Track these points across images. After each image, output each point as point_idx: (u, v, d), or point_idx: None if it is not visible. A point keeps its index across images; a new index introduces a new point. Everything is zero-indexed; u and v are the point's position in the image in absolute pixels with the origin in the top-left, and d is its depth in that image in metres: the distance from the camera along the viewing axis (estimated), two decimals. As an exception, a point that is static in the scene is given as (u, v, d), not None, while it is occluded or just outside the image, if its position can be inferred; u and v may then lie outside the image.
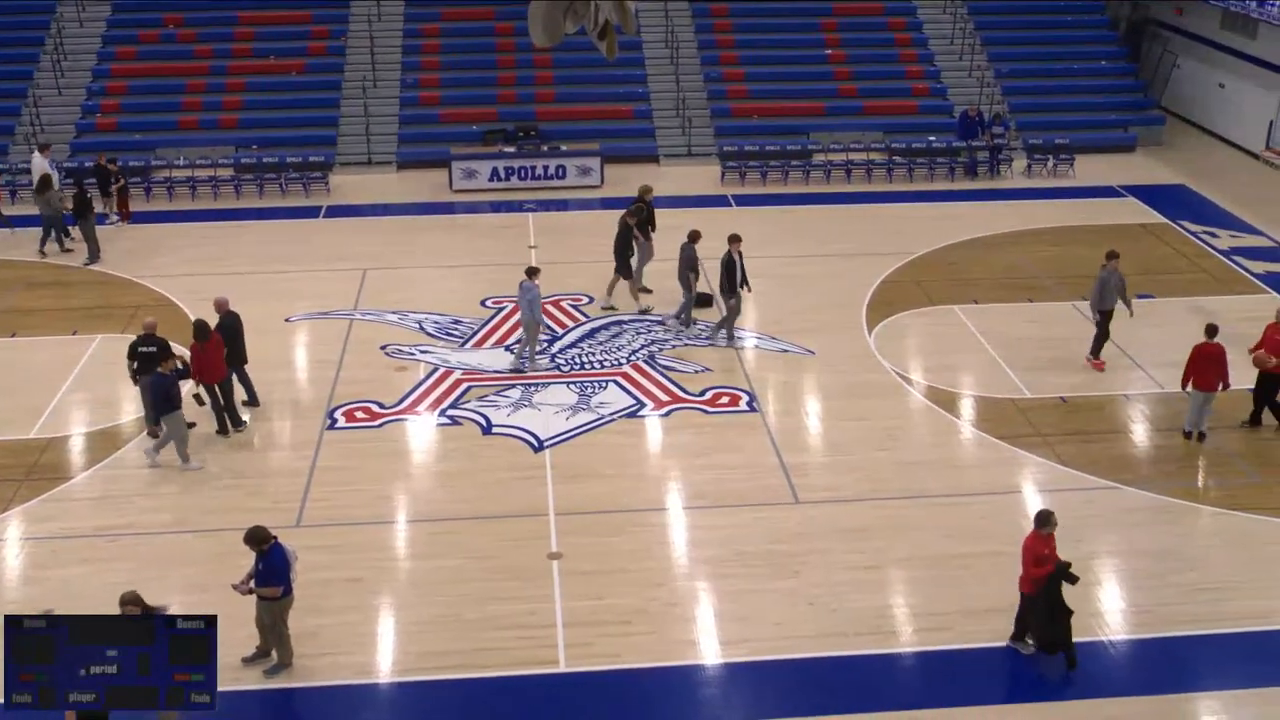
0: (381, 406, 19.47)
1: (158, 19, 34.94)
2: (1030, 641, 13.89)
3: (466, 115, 32.76)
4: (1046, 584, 13.48)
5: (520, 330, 21.03)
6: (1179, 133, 35.34)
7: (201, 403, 18.43)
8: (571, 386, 20.14)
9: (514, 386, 20.12)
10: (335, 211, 29.04)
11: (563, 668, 13.79)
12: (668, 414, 19.32)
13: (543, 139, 31.39)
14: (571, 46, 12.60)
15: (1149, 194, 30.06)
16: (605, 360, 20.96)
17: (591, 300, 23.30)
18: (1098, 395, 19.91)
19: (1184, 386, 18.31)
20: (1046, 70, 35.69)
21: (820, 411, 19.55)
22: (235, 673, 13.49)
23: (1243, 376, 18.68)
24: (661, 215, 26.66)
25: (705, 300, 23.02)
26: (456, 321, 22.50)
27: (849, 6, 36.58)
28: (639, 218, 23.16)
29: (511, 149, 30.85)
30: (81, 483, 17.51)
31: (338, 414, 19.25)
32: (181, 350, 19.31)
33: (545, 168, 30.60)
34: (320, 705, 13.36)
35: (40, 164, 26.95)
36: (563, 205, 29.58)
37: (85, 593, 14.50)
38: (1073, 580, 13.48)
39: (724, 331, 21.57)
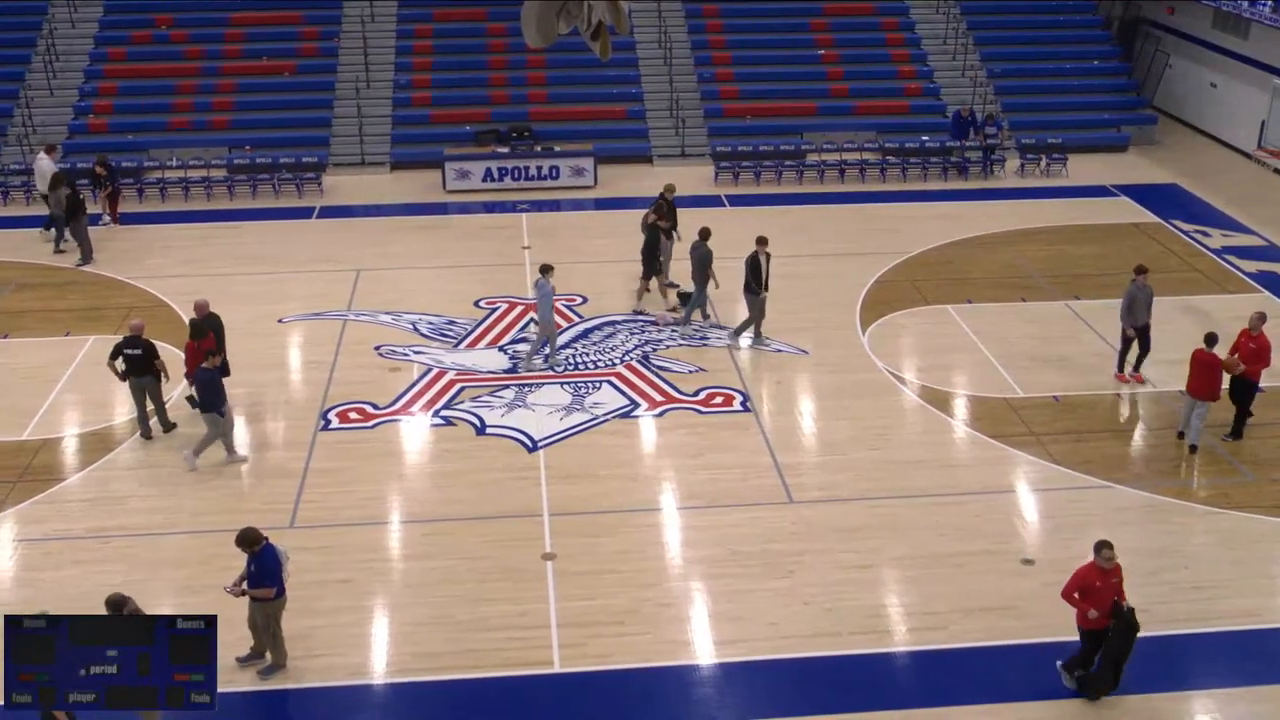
0: (375, 407, 19.45)
1: (150, 19, 34.86)
2: (1075, 675, 13.43)
3: (460, 116, 32.74)
4: (1106, 629, 12.97)
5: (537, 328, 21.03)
6: (1171, 132, 35.41)
7: (194, 404, 18.41)
8: (565, 387, 20.13)
9: (507, 387, 20.11)
10: (329, 212, 29.01)
11: (557, 668, 13.79)
12: (662, 414, 19.32)
13: (536, 139, 31.37)
14: (565, 47, 12.62)
15: (1141, 193, 30.11)
16: (599, 360, 20.96)
17: (585, 300, 23.29)
18: (1091, 394, 19.95)
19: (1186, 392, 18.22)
20: (1039, 70, 35.73)
21: (814, 411, 19.56)
22: (230, 674, 13.46)
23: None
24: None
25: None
26: (450, 322, 22.48)
27: (840, 6, 36.58)
28: (660, 214, 23.12)
29: (505, 149, 30.83)
30: (75, 484, 17.47)
31: (331, 415, 19.23)
32: (173, 351, 19.32)
33: (539, 168, 30.58)
34: (315, 706, 13.35)
35: (46, 165, 26.88)
36: (556, 206, 29.56)
37: (78, 594, 14.44)
38: (1131, 630, 12.94)
39: (747, 332, 21.50)
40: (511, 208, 29.29)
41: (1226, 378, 18.14)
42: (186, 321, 18.71)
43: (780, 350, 21.31)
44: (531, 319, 22.44)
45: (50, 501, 16.99)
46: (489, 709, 13.27)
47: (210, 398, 17.41)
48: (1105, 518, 16.55)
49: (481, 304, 23.29)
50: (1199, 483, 17.58)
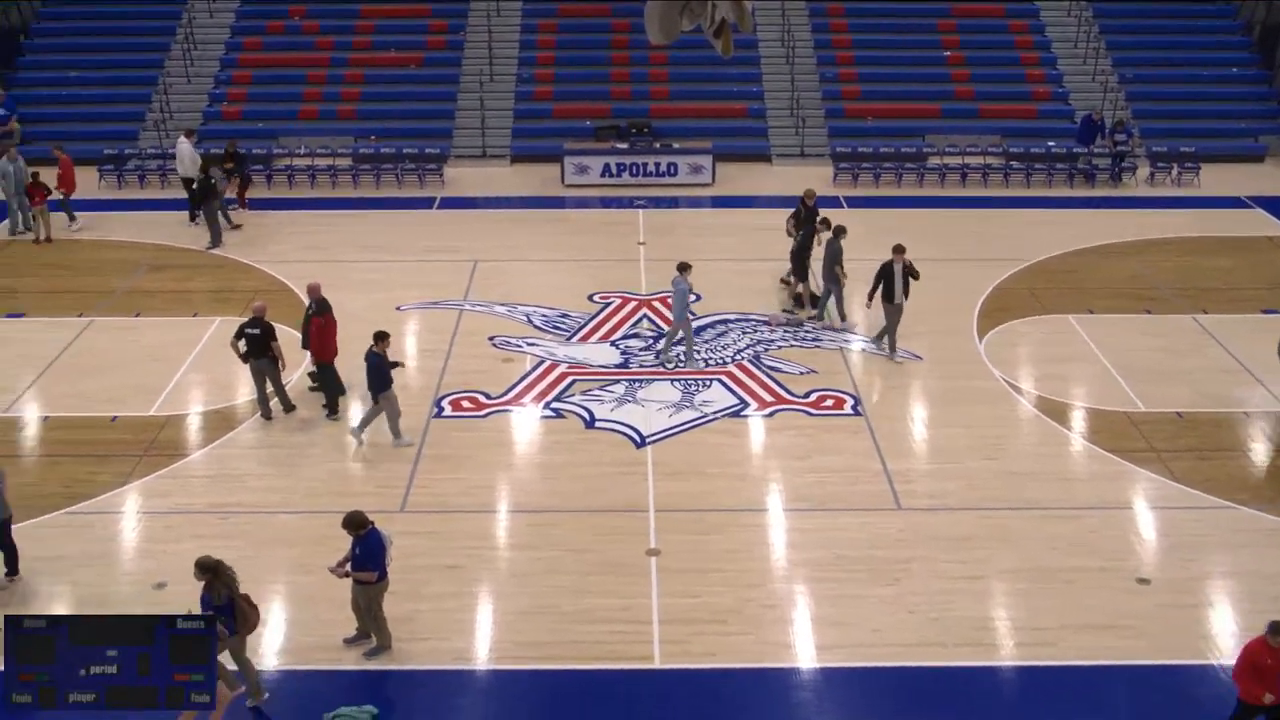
0: (487, 397, 19.69)
1: (283, 11, 35.80)
2: None
3: (580, 111, 32.99)
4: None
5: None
6: (1312, 143, 34.15)
7: (314, 383, 18.88)
8: (676, 384, 20.15)
9: (618, 381, 20.19)
10: (449, 203, 29.46)
11: (658, 664, 13.80)
12: (771, 414, 19.23)
13: (655, 136, 31.44)
14: (687, 44, 12.60)
15: (1278, 206, 29.07)
16: (710, 358, 20.93)
17: (699, 299, 23.23)
18: (1216, 411, 19.33)
19: None
20: (1173, 76, 34.73)
21: (926, 418, 19.29)
22: (336, 653, 13.77)
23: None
24: (772, 215, 26.57)
25: (812, 302, 22.89)
26: (564, 315, 22.65)
27: (969, 7, 35.99)
28: (799, 218, 22.99)
29: (624, 145, 30.95)
30: (197, 460, 18.00)
31: (444, 403, 19.52)
32: (292, 334, 19.77)
33: (657, 165, 30.63)
34: (417, 688, 13.55)
35: (186, 149, 27.75)
36: (673, 203, 29.60)
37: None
38: None
39: (885, 341, 21.16)
40: (628, 204, 29.41)
41: None
42: (307, 303, 19.07)
43: (901, 358, 21.01)
44: (645, 315, 22.53)
45: (173, 476, 17.53)
46: (589, 701, 13.34)
47: (378, 379, 17.79)
48: (1225, 539, 16.05)
49: (595, 298, 23.42)
50: (1329, 507, 16.94)
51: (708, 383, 20.17)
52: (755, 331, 21.98)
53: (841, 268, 21.73)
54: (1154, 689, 13.42)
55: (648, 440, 18.43)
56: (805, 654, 13.97)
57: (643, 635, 14.20)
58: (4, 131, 30.59)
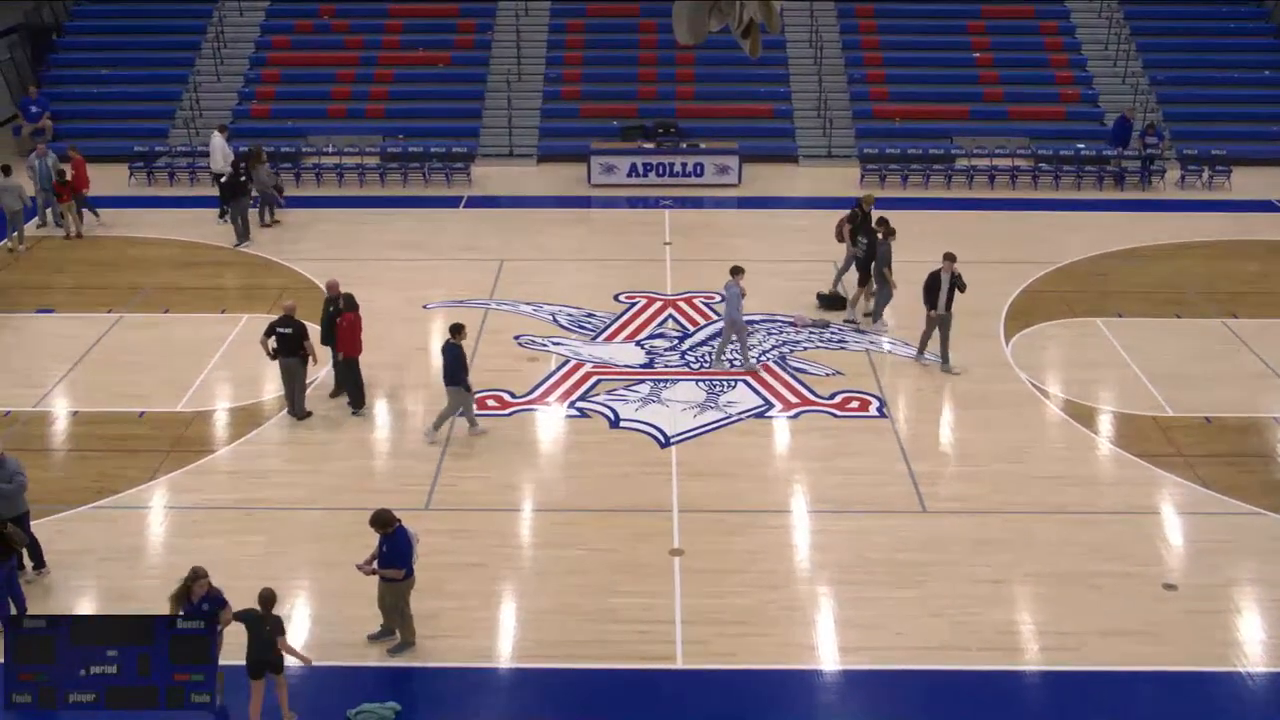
0: (512, 396, 19.73)
1: (313, 9, 35.97)
2: None
3: (607, 111, 33.01)
4: None
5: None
6: (1345, 147, 33.80)
7: (339, 376, 19.01)
8: (700, 384, 20.14)
9: (643, 381, 20.20)
10: (476, 202, 29.53)
11: (680, 664, 13.80)
12: (796, 416, 19.19)
13: (682, 136, 31.42)
14: (714, 44, 12.59)
15: (1310, 210, 28.88)
16: (735, 359, 20.90)
17: (724, 299, 23.20)
18: (1246, 416, 19.18)
19: None
20: (1205, 78, 34.41)
21: (952, 421, 19.21)
22: (361, 649, 13.83)
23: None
24: (799, 216, 26.57)
25: (839, 302, 22.84)
26: (589, 315, 22.67)
27: (998, 8, 35.80)
28: (854, 222, 22.90)
29: (651, 145, 30.95)
30: (224, 456, 18.10)
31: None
32: (315, 329, 19.83)
33: (683, 165, 30.62)
34: (440, 685, 13.58)
35: (219, 144, 27.94)
36: (699, 203, 29.58)
37: (220, 563, 14.83)
38: None
39: (938, 349, 20.76)
40: (655, 204, 29.40)
41: None
42: (341, 299, 19.10)
43: (928, 360, 20.92)
44: (670, 315, 22.54)
45: (200, 472, 17.64)
46: (611, 700, 13.35)
47: (455, 371, 17.91)
48: (1255, 546, 15.92)
49: (621, 298, 23.43)
50: (1359, 515, 16.77)
51: (733, 383, 20.15)
52: (781, 333, 21.94)
53: (889, 270, 21.63)
54: (1180, 696, 13.33)
55: (672, 440, 18.43)
56: (827, 656, 13.94)
57: (665, 635, 14.20)
58: (36, 129, 30.85)
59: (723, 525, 16.34)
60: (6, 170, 25.68)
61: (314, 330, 19.29)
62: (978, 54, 34.63)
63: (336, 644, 14.00)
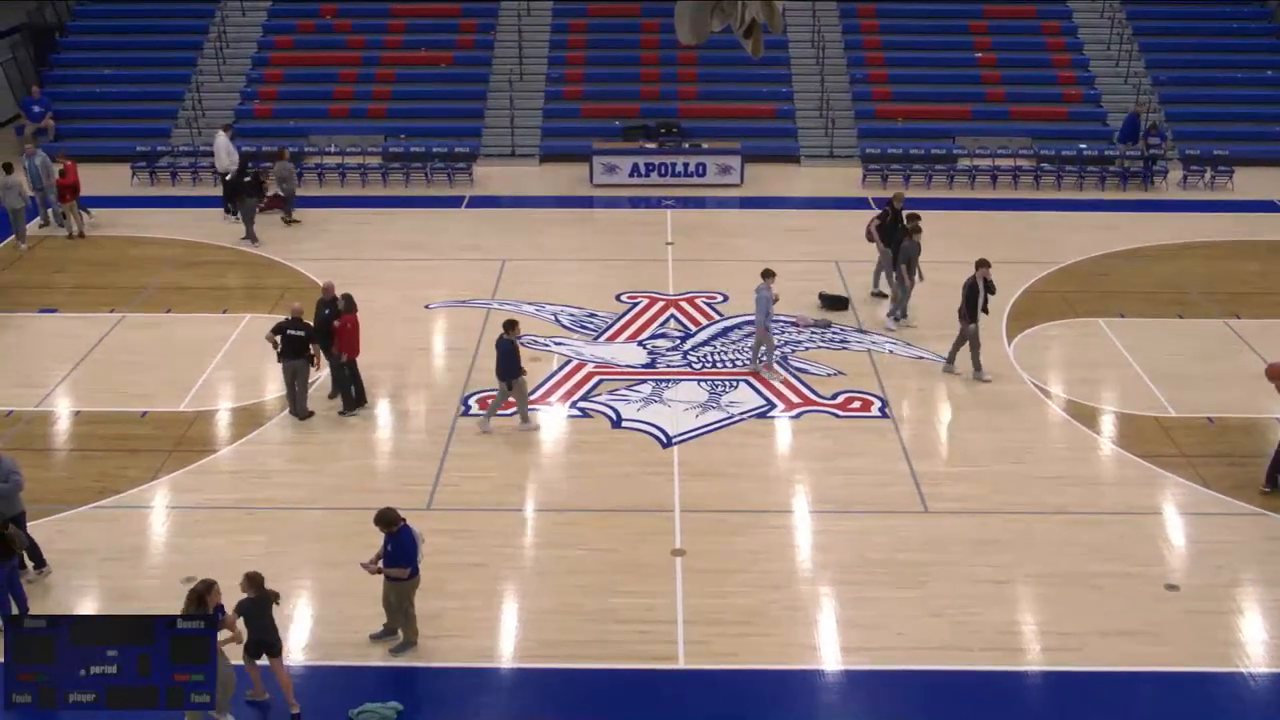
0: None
1: (315, 9, 35.97)
2: None
3: (609, 111, 33.01)
4: None
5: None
6: (1348, 147, 33.77)
7: (337, 378, 18.99)
8: (702, 384, 20.14)
9: (645, 381, 20.20)
10: (478, 202, 29.54)
11: (681, 664, 13.80)
12: (798, 416, 19.19)
13: (684, 136, 31.42)
14: (716, 44, 12.59)
15: (1312, 210, 28.86)
16: (737, 359, 20.90)
17: (726, 299, 23.24)
18: (1248, 417, 19.17)
19: None
20: (1207, 79, 34.38)
21: (954, 421, 19.20)
22: (363, 649, 13.84)
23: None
24: (801, 216, 26.56)
25: (842, 303, 22.82)
26: (591, 315, 22.68)
27: (1001, 8, 35.80)
28: (885, 220, 22.87)
29: (652, 145, 30.95)
30: (225, 456, 18.11)
31: (471, 401, 19.56)
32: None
33: (685, 165, 30.61)
34: (442, 685, 13.59)
35: (223, 143, 27.96)
36: (701, 203, 29.58)
37: (221, 562, 14.88)
38: None
39: (972, 358, 20.38)
40: (657, 204, 29.41)
41: None
42: (340, 300, 19.09)
43: (921, 356, 20.91)
44: (672, 315, 22.54)
45: (201, 472, 17.65)
46: (612, 700, 13.35)
47: (509, 365, 18.00)
48: (1256, 546, 15.92)
49: (623, 298, 23.43)
50: (1361, 515, 16.75)
51: (735, 383, 20.15)
52: (783, 332, 21.93)
53: (907, 267, 21.64)
54: (1181, 696, 13.33)
55: (674, 440, 18.43)
56: (829, 656, 13.94)
57: (667, 635, 14.20)
58: (39, 128, 30.86)
59: (724, 525, 16.34)
60: (8, 168, 25.71)
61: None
62: (980, 54, 34.61)
63: (338, 644, 14.01)
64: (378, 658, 13.80)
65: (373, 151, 31.49)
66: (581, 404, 19.50)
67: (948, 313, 21.80)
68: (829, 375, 20.43)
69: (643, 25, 35.21)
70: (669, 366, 20.73)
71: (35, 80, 34.17)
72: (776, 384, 19.97)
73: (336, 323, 18.67)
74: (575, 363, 20.79)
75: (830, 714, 13.20)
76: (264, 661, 12.84)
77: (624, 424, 18.93)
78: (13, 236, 26.18)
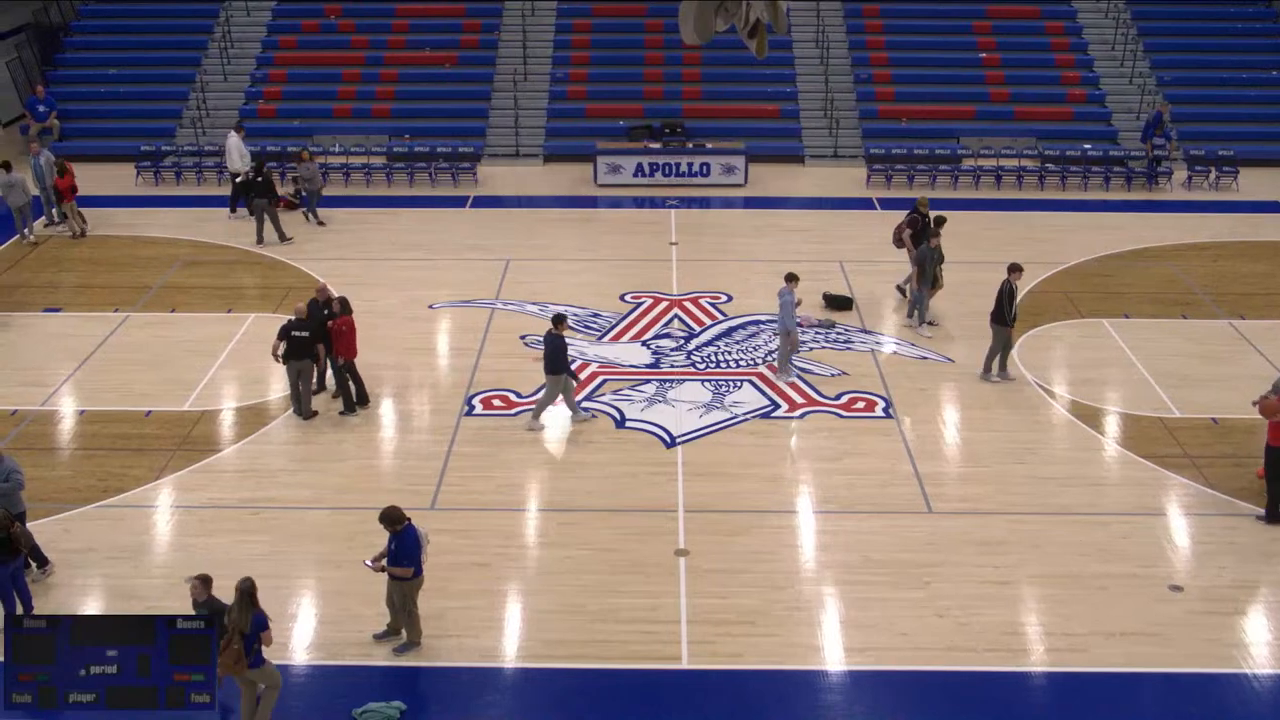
0: (518, 395, 19.73)
1: (319, 9, 36.00)
2: None
3: (613, 110, 33.02)
4: None
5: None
6: (1353, 147, 33.71)
7: (338, 380, 18.99)
8: (706, 385, 20.14)
9: (648, 382, 20.20)
10: (482, 202, 29.55)
11: (685, 664, 13.80)
12: (802, 416, 19.18)
13: (688, 136, 31.42)
14: (720, 45, 12.60)
15: (1317, 210, 28.81)
16: (741, 360, 20.90)
17: (730, 299, 23.24)
18: (1252, 418, 19.08)
19: None
20: (1212, 79, 34.35)
21: (958, 421, 19.19)
22: (366, 648, 13.84)
23: None
24: (805, 216, 26.53)
25: (846, 303, 22.81)
26: (595, 315, 22.68)
27: (1005, 8, 35.77)
28: (915, 226, 22.82)
29: (657, 145, 30.95)
30: (229, 455, 18.13)
31: (475, 401, 19.58)
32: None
33: (689, 165, 30.62)
34: (445, 685, 13.60)
35: (235, 143, 28.01)
36: (705, 203, 29.58)
37: (226, 561, 14.94)
38: None
39: (997, 362, 20.29)
40: (661, 203, 29.41)
41: None
42: (336, 303, 19.09)
43: (924, 357, 20.90)
44: (676, 315, 22.54)
45: (205, 471, 17.67)
46: (616, 700, 13.35)
47: (556, 360, 18.08)
48: (1261, 547, 15.89)
49: (627, 298, 23.43)
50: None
51: (738, 384, 20.14)
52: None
53: (921, 271, 21.60)
54: (1185, 697, 13.31)
55: (678, 440, 18.42)
56: (833, 656, 13.93)
57: (670, 635, 14.20)
58: (44, 128, 30.91)
59: (728, 525, 16.34)
60: (8, 167, 25.75)
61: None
62: (984, 54, 34.59)
63: (342, 643, 14.01)
64: (381, 657, 13.81)
65: (377, 151, 31.52)
66: (585, 404, 19.48)
67: (954, 315, 21.86)
68: (833, 375, 20.42)
69: (647, 25, 35.22)
70: (673, 366, 20.73)
71: (40, 80, 34.21)
72: (781, 385, 19.97)
73: (331, 325, 18.67)
74: (579, 363, 20.77)
75: (834, 714, 13.18)
76: None
77: (628, 424, 18.92)
78: (16, 236, 26.22)
